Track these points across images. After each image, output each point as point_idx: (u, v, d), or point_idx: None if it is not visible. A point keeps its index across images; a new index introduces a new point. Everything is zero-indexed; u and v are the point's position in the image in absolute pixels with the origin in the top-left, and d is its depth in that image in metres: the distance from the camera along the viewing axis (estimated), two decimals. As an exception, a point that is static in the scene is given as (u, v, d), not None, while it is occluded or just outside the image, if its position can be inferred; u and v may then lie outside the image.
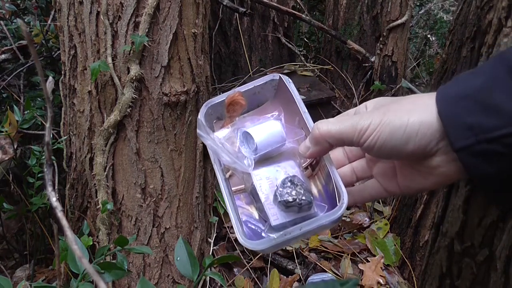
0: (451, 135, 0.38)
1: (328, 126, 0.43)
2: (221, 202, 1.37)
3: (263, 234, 0.46)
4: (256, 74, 2.03)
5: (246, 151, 0.50)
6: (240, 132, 0.50)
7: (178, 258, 0.59)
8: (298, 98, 0.50)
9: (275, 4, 1.98)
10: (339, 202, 0.43)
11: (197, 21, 1.11)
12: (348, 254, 1.41)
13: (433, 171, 0.42)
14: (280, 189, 0.46)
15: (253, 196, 0.49)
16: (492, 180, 0.38)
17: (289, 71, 1.96)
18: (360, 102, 2.10)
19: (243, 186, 0.50)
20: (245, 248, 0.44)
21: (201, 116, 0.50)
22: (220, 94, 2.16)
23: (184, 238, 0.83)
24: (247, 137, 0.50)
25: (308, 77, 1.94)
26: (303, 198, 0.44)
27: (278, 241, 0.41)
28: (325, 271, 1.35)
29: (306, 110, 0.49)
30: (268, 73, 1.97)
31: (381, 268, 1.37)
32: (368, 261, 1.40)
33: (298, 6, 2.40)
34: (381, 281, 1.32)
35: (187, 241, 0.84)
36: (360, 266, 1.37)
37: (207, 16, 1.18)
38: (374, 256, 1.42)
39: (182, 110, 1.12)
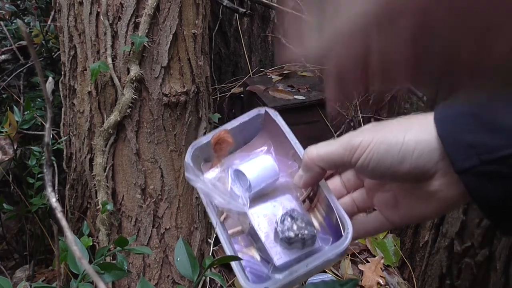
0: (452, 155, 0.35)
1: (317, 149, 0.41)
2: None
3: (269, 276, 0.43)
4: (256, 75, 2.03)
5: (239, 189, 0.47)
6: (231, 170, 0.48)
7: (178, 259, 0.58)
8: (287, 130, 0.48)
9: (275, 4, 1.98)
10: (343, 232, 0.41)
11: (197, 21, 1.11)
12: (348, 255, 1.41)
13: (433, 195, 0.39)
14: (280, 225, 0.43)
15: (252, 237, 0.46)
16: (496, 205, 0.36)
17: (289, 71, 1.96)
18: (360, 103, 2.09)
19: (240, 227, 0.48)
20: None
21: (188, 159, 0.48)
22: (219, 95, 2.14)
23: (184, 239, 0.83)
24: (238, 175, 0.48)
25: (308, 77, 1.94)
26: (305, 232, 0.42)
27: (285, 281, 0.39)
28: (325, 272, 1.35)
29: (297, 141, 0.47)
30: (268, 73, 1.97)
31: (381, 268, 1.37)
32: (368, 261, 1.40)
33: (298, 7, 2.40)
34: (381, 281, 1.32)
35: (187, 241, 0.84)
36: (360, 266, 1.37)
37: (207, 17, 1.18)
38: (374, 256, 1.42)
39: (182, 110, 1.12)
